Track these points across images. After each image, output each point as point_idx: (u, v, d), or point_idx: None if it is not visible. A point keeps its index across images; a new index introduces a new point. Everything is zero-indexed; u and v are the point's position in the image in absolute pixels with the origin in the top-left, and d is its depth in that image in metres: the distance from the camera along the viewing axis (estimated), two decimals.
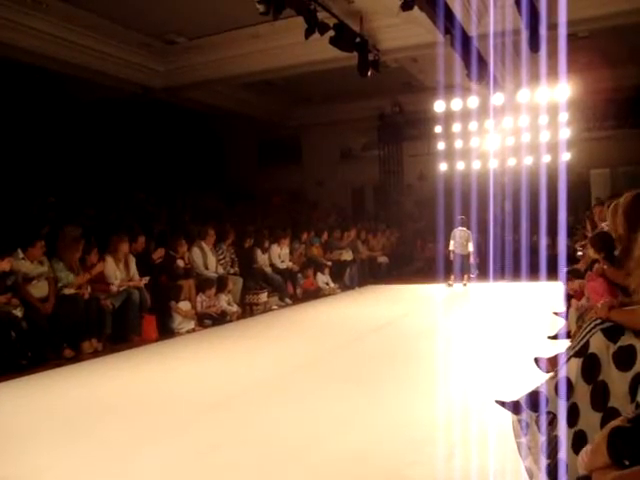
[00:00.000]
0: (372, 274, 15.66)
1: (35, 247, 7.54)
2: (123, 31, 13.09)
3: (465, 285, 13.44)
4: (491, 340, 7.52)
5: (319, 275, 13.26)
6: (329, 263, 13.85)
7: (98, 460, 3.93)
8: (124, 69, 14.23)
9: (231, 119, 19.41)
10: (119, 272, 8.51)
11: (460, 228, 13.56)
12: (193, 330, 8.99)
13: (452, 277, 13.46)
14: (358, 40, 11.47)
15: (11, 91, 13.93)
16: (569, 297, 6.58)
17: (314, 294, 12.76)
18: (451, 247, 13.54)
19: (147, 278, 8.77)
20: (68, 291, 7.69)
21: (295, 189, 20.43)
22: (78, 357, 7.32)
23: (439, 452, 3.81)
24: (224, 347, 7.95)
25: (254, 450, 3.96)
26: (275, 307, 11.28)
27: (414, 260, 17.78)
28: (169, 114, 17.61)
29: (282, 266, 12.22)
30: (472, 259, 13.67)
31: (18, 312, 6.93)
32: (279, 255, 12.28)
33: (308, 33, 10.39)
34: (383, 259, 16.43)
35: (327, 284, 13.37)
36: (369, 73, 11.95)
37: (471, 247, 13.46)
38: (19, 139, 13.93)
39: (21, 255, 7.46)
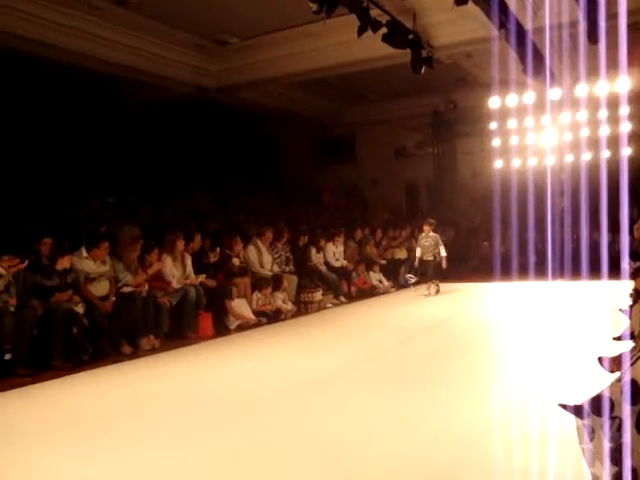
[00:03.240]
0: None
1: (100, 248, 7.72)
2: (177, 33, 13.24)
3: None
4: (551, 339, 7.38)
5: (372, 273, 13.22)
6: (383, 261, 13.80)
7: (152, 453, 4.00)
8: (178, 71, 14.41)
9: (285, 118, 19.46)
10: (176, 270, 8.63)
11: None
12: (248, 328, 9.06)
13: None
14: (411, 37, 11.34)
15: (69, 95, 14.26)
16: (638, 295, 6.39)
17: (368, 292, 12.73)
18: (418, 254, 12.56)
19: (203, 276, 8.88)
20: (127, 289, 7.85)
21: (349, 187, 20.36)
22: (136, 353, 7.47)
23: (497, 453, 3.74)
24: (279, 345, 7.99)
25: (305, 448, 3.96)
26: (329, 305, 11.30)
27: (469, 259, 17.55)
28: (223, 114, 17.79)
29: (337, 264, 12.22)
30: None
31: (79, 309, 7.12)
32: (334, 253, 12.29)
33: (361, 31, 10.32)
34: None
35: (381, 282, 13.33)
36: (423, 70, 11.83)
37: (443, 252, 12.37)
38: (79, 141, 14.25)
39: (84, 254, 7.64)
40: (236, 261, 9.78)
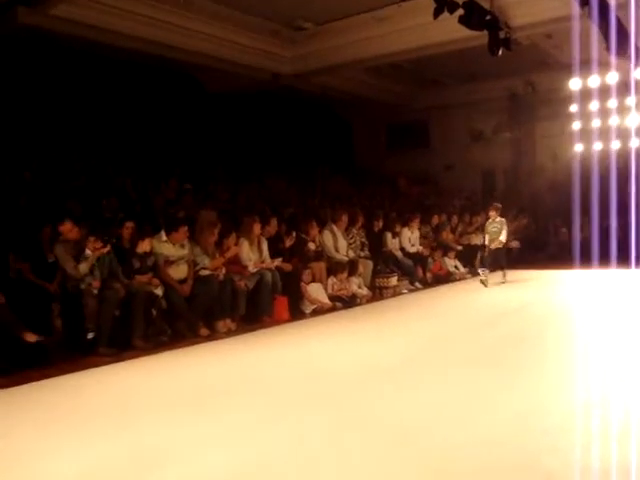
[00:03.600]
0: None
1: (179, 232, 7.88)
2: (253, 20, 13.37)
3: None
4: (634, 329, 7.13)
5: (447, 259, 13.06)
6: (459, 247, 13.61)
7: (226, 433, 4.06)
8: (254, 57, 14.53)
9: (359, 103, 19.38)
10: (252, 254, 8.73)
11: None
12: (324, 312, 9.09)
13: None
14: (488, 18, 11.06)
15: (150, 84, 14.60)
16: None
17: (444, 278, 12.58)
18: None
19: (279, 260, 8.95)
20: (204, 273, 7.98)
21: (423, 173, 20.15)
22: (213, 336, 7.59)
23: (576, 441, 3.64)
24: (354, 329, 7.98)
25: (380, 432, 3.92)
26: (405, 291, 11.22)
27: (547, 245, 17.11)
28: (297, 100, 17.88)
29: (412, 250, 12.12)
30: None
31: (159, 291, 7.29)
32: (409, 239, 12.19)
33: (437, 13, 10.16)
34: (515, 244, 15.88)
35: (457, 268, 13.16)
36: (500, 52, 11.55)
37: (503, 237, 11.60)
38: (159, 129, 14.57)
39: (164, 238, 7.82)
40: (312, 245, 9.82)
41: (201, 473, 3.44)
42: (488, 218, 12.02)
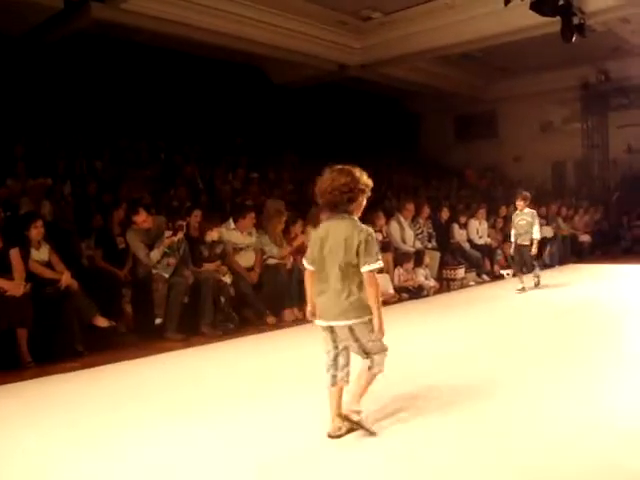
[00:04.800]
0: (574, 253, 14.82)
1: (246, 218, 7.95)
2: (320, 10, 13.32)
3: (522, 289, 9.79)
4: None
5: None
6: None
7: (295, 421, 4.02)
8: (321, 48, 14.51)
9: (426, 94, 19.17)
10: None
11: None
12: (391, 303, 9.01)
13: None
14: (562, 3, 10.76)
15: (217, 75, 14.77)
16: None
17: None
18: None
19: None
20: (272, 261, 8.02)
21: (491, 164, 19.80)
22: (279, 324, 7.62)
23: None
24: (420, 320, 7.88)
25: (450, 428, 3.81)
26: (472, 283, 11.04)
27: (620, 239, 16.58)
28: (364, 91, 17.80)
29: (480, 242, 11.91)
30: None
31: (227, 279, 7.36)
32: (477, 230, 11.97)
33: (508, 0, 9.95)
34: (585, 237, 15.48)
35: None
36: (574, 39, 11.21)
37: (536, 233, 9.93)
38: (225, 120, 14.72)
39: (232, 226, 7.90)
40: (378, 236, 9.74)
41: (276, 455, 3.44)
42: (515, 209, 10.33)
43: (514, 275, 10.63)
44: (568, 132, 19.39)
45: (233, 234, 7.85)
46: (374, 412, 3.96)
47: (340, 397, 3.64)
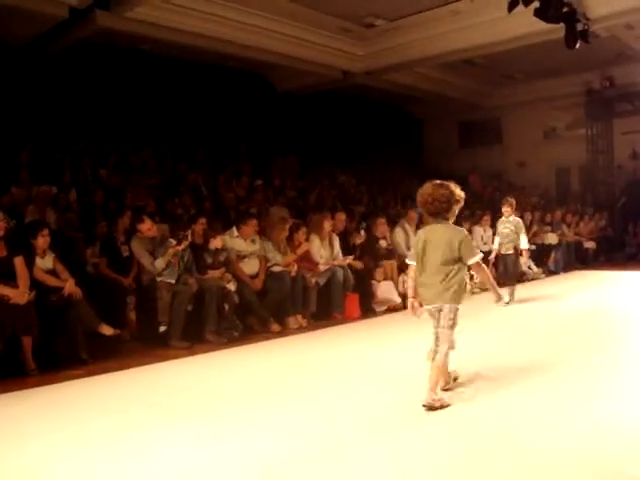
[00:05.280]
0: (578, 259, 14.78)
1: (248, 225, 7.96)
2: (323, 17, 13.35)
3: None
4: None
5: (521, 258, 12.72)
6: (532, 246, 13.27)
7: (296, 430, 4.02)
8: (325, 55, 14.56)
9: (430, 100, 19.18)
10: (324, 251, 8.72)
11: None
12: (395, 310, 9.01)
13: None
14: (566, 9, 10.76)
15: (221, 82, 14.81)
16: None
17: (518, 278, 12.28)
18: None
19: (350, 258, 8.91)
20: (276, 269, 8.02)
21: (496, 170, 19.81)
22: (284, 332, 7.61)
23: None
24: (425, 328, 7.84)
25: (458, 436, 3.81)
26: (477, 290, 10.99)
27: (625, 246, 16.54)
28: (367, 98, 17.84)
29: (485, 248, 11.85)
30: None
31: (231, 286, 7.36)
32: (482, 237, 11.96)
33: (511, 6, 9.95)
34: (590, 244, 15.44)
35: (530, 268, 12.83)
36: (577, 45, 11.21)
37: (524, 242, 9.50)
38: (229, 128, 14.74)
39: (235, 233, 7.92)
40: (383, 243, 9.74)
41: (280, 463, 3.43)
42: (500, 215, 9.65)
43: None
44: (572, 138, 19.38)
45: (236, 241, 7.87)
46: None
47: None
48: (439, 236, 4.32)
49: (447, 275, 4.26)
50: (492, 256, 9.56)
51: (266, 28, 12.86)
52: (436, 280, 4.29)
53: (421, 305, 4.44)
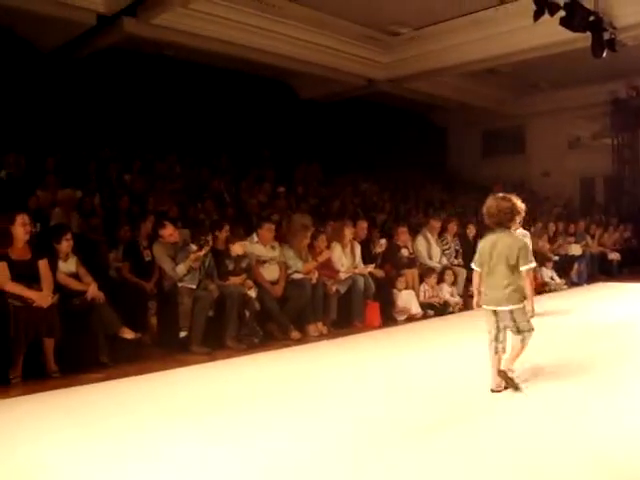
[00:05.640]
0: (602, 271, 14.60)
1: (264, 229, 7.97)
2: (348, 25, 13.42)
3: None
4: None
5: (544, 269, 12.63)
6: (555, 257, 13.16)
7: (316, 439, 4.01)
8: (349, 63, 14.65)
9: (454, 109, 19.18)
10: (345, 258, 8.71)
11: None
12: (416, 319, 8.96)
13: None
14: (592, 18, 10.68)
15: (244, 89, 14.89)
16: None
17: (539, 288, 12.17)
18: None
19: (372, 266, 8.89)
20: (297, 276, 8.02)
21: (519, 180, 19.66)
22: (304, 339, 7.59)
23: None
24: (445, 337, 7.80)
25: (474, 453, 3.80)
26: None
27: None
28: (391, 106, 17.84)
29: None
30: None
31: (252, 293, 7.36)
32: None
33: (537, 15, 9.89)
34: (614, 255, 15.24)
35: (552, 279, 12.70)
36: (604, 54, 11.12)
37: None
38: (251, 134, 14.80)
39: (255, 239, 7.94)
40: (405, 252, 9.70)
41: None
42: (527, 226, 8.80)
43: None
44: (597, 148, 19.25)
45: (256, 247, 7.88)
46: None
47: (499, 362, 4.89)
48: (503, 244, 4.81)
49: (512, 279, 4.75)
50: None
51: (290, 35, 12.95)
52: (502, 284, 4.77)
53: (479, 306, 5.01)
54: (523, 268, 4.76)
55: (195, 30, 11.91)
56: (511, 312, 4.78)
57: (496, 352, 4.88)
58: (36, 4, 10.25)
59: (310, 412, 4.55)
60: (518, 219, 5.00)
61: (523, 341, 4.89)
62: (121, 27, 11.43)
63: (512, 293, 4.75)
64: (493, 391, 4.82)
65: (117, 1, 10.91)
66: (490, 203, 4.95)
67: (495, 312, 4.85)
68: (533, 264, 4.90)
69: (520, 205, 4.93)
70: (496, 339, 4.90)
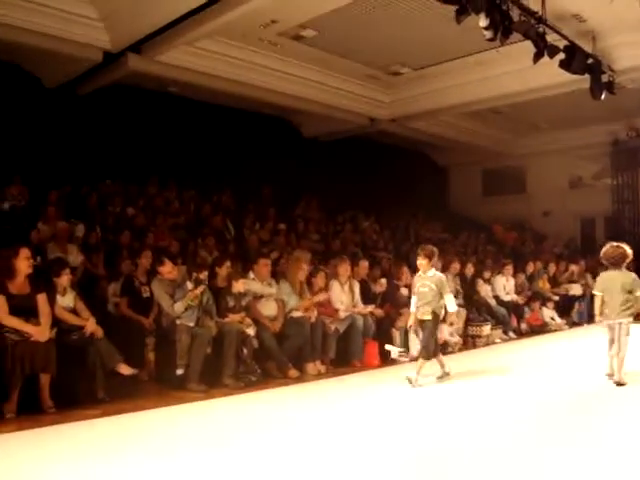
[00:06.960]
0: None
1: (259, 264, 7.98)
2: (351, 65, 13.55)
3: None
4: None
5: (545, 309, 12.59)
6: (556, 297, 13.13)
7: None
8: (352, 102, 14.80)
9: (455, 148, 19.28)
10: (344, 296, 8.69)
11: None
12: (415, 358, 8.88)
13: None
14: (590, 61, 10.83)
15: (247, 128, 15.01)
16: None
17: (539, 329, 12.13)
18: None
19: (372, 307, 8.88)
20: (295, 314, 8.00)
21: (520, 219, 19.72)
22: (302, 378, 7.54)
23: None
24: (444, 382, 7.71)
25: None
26: (498, 340, 10.85)
27: None
28: (392, 145, 17.95)
29: (506, 298, 11.78)
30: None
31: (250, 331, 7.33)
32: (504, 287, 11.87)
33: (537, 57, 10.00)
34: None
35: (553, 319, 12.65)
36: (603, 96, 11.24)
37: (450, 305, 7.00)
38: (253, 172, 14.87)
39: (252, 275, 7.94)
40: (404, 291, 9.67)
41: None
42: (417, 270, 7.16)
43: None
44: (598, 188, 19.34)
45: (253, 284, 7.88)
46: None
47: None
48: (616, 277, 6.69)
49: (623, 302, 6.56)
50: (410, 322, 7.18)
51: (294, 74, 13.12)
52: (617, 305, 6.58)
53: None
54: (638, 293, 6.57)
55: (198, 67, 12.04)
56: (620, 324, 6.58)
57: (612, 357, 6.72)
58: (44, 41, 10.37)
59: (309, 451, 4.51)
60: (627, 260, 6.74)
61: (621, 350, 6.59)
62: (126, 63, 11.56)
63: (623, 311, 6.54)
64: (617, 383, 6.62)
65: (123, 38, 11.05)
66: (607, 250, 6.77)
67: (612, 325, 6.68)
68: None
69: (629, 252, 6.71)
70: (609, 346, 6.72)
